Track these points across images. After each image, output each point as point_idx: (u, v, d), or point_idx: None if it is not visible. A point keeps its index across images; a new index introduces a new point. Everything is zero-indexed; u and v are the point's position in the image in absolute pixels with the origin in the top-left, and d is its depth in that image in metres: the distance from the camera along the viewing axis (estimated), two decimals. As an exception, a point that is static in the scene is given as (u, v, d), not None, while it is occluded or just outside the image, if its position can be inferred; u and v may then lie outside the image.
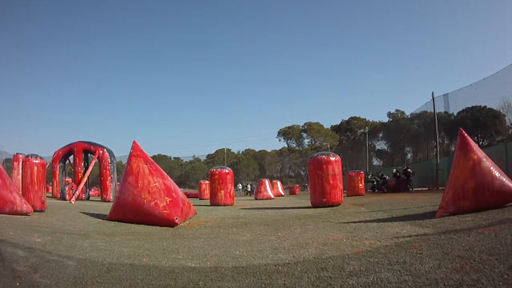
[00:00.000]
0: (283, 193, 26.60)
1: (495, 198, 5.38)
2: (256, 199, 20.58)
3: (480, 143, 29.43)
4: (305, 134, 58.14)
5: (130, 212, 6.82)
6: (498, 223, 4.30)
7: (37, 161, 8.46)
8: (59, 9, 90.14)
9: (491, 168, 5.51)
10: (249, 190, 31.17)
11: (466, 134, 5.89)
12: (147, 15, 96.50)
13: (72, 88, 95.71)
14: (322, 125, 56.35)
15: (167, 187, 6.99)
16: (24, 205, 6.97)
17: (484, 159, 5.58)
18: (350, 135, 53.75)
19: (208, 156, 60.35)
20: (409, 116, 41.24)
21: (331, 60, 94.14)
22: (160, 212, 6.54)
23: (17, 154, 14.08)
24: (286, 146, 59.00)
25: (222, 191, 13.85)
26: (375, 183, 20.06)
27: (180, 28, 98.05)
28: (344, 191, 13.09)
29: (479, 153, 5.69)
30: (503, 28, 72.64)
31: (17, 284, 2.66)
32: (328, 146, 48.32)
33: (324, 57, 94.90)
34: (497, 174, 5.46)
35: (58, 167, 17.52)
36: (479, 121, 28.51)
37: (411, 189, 18.00)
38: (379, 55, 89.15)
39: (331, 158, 10.44)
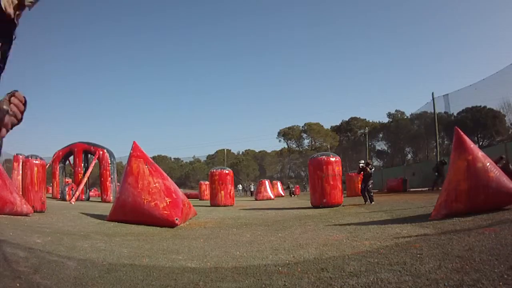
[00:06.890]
0: (283, 194, 26.60)
1: (491, 199, 5.08)
2: (256, 199, 20.58)
3: (480, 143, 29.42)
4: (305, 135, 58.11)
5: (130, 212, 6.82)
6: (498, 224, 4.30)
7: (37, 162, 8.47)
8: (58, 9, 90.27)
9: (488, 168, 5.18)
10: (251, 190, 31.20)
11: (462, 133, 5.57)
12: (147, 14, 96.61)
13: (72, 88, 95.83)
14: (322, 126, 56.30)
15: (167, 187, 6.99)
16: (24, 205, 6.97)
17: (481, 159, 5.27)
18: (350, 135, 53.72)
19: (208, 156, 60.36)
20: (409, 117, 41.28)
21: (331, 60, 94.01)
22: (160, 213, 6.54)
23: (17, 154, 14.09)
24: (286, 146, 58.98)
25: (222, 192, 13.86)
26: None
27: (180, 27, 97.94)
28: (344, 192, 13.10)
29: (475, 153, 5.35)
30: (503, 28, 72.73)
31: (18, 284, 2.65)
32: (328, 146, 48.32)
33: (324, 57, 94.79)
34: (494, 175, 5.13)
35: (58, 167, 17.53)
36: (479, 121, 28.52)
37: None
38: (379, 55, 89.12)
39: (331, 159, 10.46)
